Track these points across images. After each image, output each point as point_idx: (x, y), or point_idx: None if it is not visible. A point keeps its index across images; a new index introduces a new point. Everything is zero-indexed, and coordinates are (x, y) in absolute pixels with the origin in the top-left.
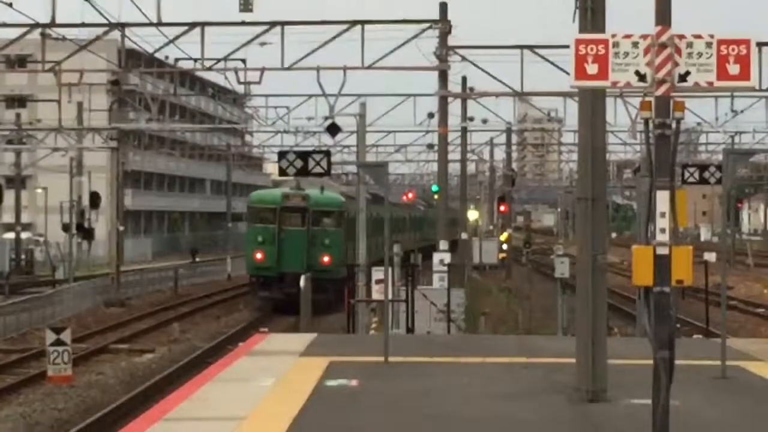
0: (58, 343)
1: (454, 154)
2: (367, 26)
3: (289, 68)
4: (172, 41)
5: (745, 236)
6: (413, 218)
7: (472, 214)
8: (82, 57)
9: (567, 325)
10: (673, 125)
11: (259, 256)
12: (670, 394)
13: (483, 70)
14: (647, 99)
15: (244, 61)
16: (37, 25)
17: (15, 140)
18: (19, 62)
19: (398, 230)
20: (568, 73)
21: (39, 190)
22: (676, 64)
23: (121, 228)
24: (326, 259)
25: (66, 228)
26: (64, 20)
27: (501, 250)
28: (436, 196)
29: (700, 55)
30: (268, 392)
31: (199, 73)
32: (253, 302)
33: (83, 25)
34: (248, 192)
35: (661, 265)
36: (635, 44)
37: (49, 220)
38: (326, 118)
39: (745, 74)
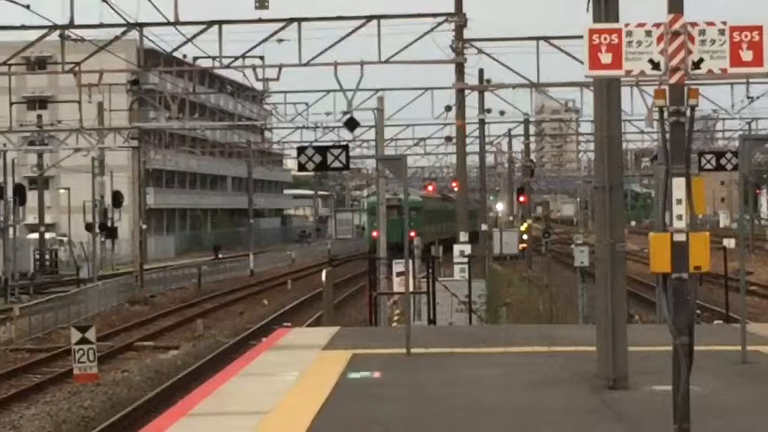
0: (84, 341)
1: (472, 146)
2: (383, 21)
3: (306, 64)
4: (190, 40)
5: (764, 221)
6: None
7: (499, 206)
8: (101, 57)
9: (588, 314)
10: (688, 112)
11: (374, 234)
12: (691, 379)
13: (499, 61)
14: (661, 87)
15: (261, 58)
16: (55, 26)
17: (37, 141)
18: (39, 64)
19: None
20: (583, 63)
21: (62, 191)
22: (690, 52)
23: (144, 226)
24: (412, 234)
25: (89, 227)
26: (82, 21)
27: (521, 241)
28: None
29: (713, 42)
30: (292, 386)
31: (218, 71)
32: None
33: (101, 25)
34: (269, 188)
35: (679, 251)
36: (648, 33)
37: (72, 220)
38: (344, 113)
39: (758, 60)
